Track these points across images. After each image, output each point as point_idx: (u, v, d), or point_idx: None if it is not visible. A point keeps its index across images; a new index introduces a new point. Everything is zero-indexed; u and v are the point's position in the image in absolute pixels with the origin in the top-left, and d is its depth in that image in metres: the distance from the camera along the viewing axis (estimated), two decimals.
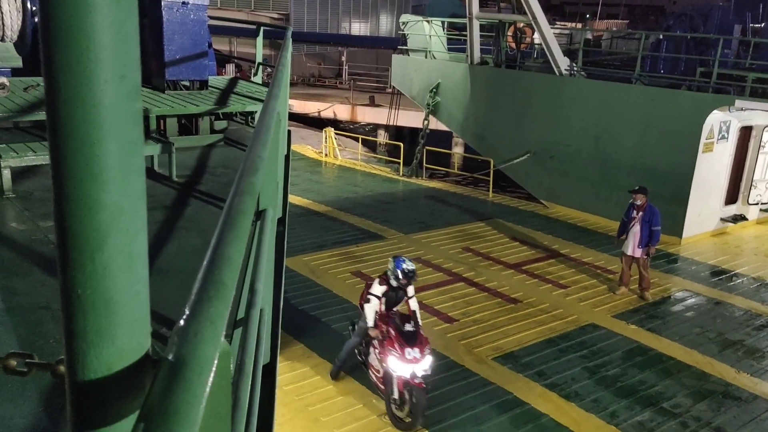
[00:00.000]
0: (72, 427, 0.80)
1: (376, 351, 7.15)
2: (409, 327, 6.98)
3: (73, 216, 0.75)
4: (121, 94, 0.76)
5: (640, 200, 10.34)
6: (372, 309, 7.12)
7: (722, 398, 7.96)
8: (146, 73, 6.81)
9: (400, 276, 7.14)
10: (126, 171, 0.77)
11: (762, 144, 14.48)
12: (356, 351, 7.73)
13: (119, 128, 0.76)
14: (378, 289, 7.20)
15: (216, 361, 0.87)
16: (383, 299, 7.22)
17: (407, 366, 6.71)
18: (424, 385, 6.79)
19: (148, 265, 0.82)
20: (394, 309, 7.43)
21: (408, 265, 7.17)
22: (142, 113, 0.81)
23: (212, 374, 0.84)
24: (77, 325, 0.77)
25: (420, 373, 6.78)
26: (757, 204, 15.03)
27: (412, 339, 6.85)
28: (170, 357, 0.80)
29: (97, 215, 0.75)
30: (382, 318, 7.19)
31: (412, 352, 6.76)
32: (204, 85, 6.96)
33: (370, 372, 7.45)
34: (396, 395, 6.89)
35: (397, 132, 26.17)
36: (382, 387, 7.17)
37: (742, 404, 7.85)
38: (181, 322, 0.87)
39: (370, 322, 7.08)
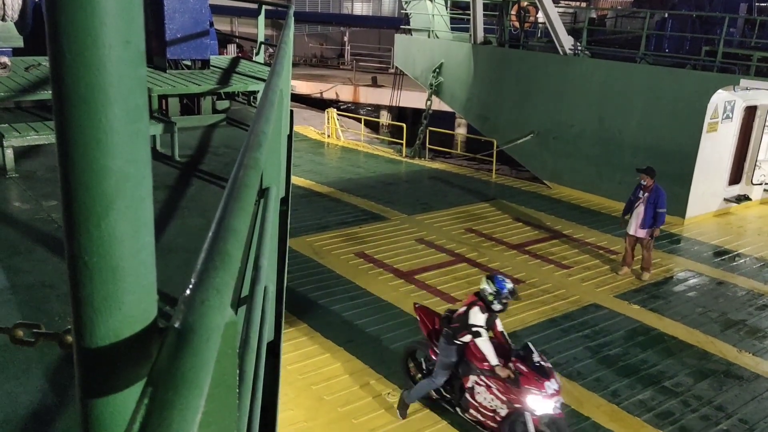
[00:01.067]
0: (80, 394, 0.81)
1: (493, 389, 6.31)
2: (536, 358, 6.19)
3: (79, 182, 0.74)
4: (126, 59, 0.76)
5: (645, 180, 10.32)
6: (489, 344, 6.22)
7: (724, 377, 8.00)
8: (147, 52, 6.76)
9: (505, 298, 6.27)
10: (131, 137, 0.76)
11: (767, 124, 14.40)
12: (432, 388, 6.81)
13: (124, 94, 0.75)
14: (481, 318, 6.24)
15: (223, 330, 0.87)
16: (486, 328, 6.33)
17: (550, 401, 6.02)
18: (562, 413, 6.23)
19: (153, 233, 0.82)
20: None
21: (510, 284, 6.33)
22: (146, 80, 0.81)
23: (219, 342, 0.84)
24: (84, 291, 0.77)
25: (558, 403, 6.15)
26: (760, 184, 15.00)
27: (542, 371, 6.12)
28: (177, 325, 0.80)
29: (102, 181, 0.75)
30: (503, 355, 6.37)
31: (552, 386, 6.04)
32: (206, 64, 6.92)
33: (470, 413, 6.58)
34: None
35: (399, 113, 26.06)
36: (494, 426, 6.40)
37: (744, 383, 7.89)
38: (188, 291, 0.87)
39: (495, 360, 6.16)
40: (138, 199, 0.78)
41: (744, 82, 12.49)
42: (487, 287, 6.30)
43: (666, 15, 15.49)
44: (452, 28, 19.53)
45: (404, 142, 19.57)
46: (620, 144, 14.20)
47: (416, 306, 7.50)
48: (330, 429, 6.76)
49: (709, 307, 9.92)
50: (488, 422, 6.46)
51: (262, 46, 8.49)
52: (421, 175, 17.51)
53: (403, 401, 6.93)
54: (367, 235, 12.33)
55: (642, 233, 10.46)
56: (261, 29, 8.31)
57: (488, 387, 6.35)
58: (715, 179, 14.01)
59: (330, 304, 9.50)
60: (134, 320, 0.80)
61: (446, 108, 20.15)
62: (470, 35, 17.48)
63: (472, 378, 6.49)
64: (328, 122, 21.57)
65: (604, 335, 8.91)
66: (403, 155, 19.44)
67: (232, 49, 21.93)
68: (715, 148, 13.57)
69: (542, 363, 6.19)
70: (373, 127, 25.88)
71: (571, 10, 22.65)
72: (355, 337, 8.54)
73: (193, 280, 0.90)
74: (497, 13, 17.25)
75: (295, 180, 15.78)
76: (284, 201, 4.46)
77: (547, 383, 6.02)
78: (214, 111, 6.54)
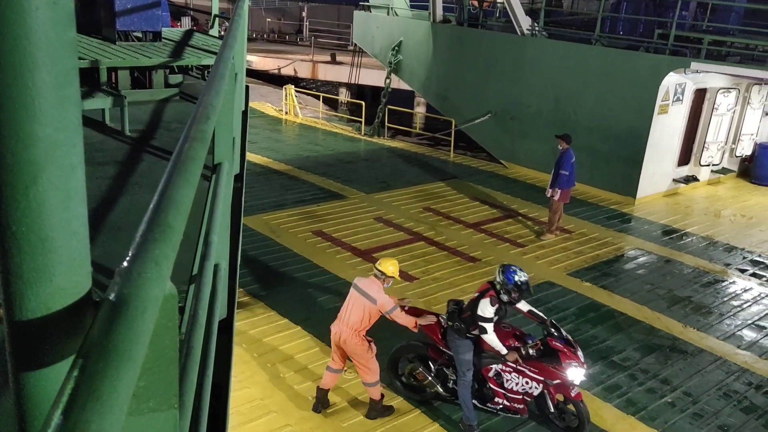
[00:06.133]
0: (11, 368, 0.79)
1: (526, 372, 6.33)
2: (564, 333, 6.42)
3: (5, 149, 0.72)
4: (54, 21, 0.72)
5: (561, 145, 11.43)
6: (494, 335, 6.14)
7: (670, 352, 8.29)
8: (96, 23, 6.55)
9: (513, 291, 6.14)
10: (60, 103, 0.73)
11: (715, 107, 14.81)
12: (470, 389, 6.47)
13: (52, 57, 0.72)
14: (490, 310, 6.10)
15: (161, 303, 0.86)
16: (496, 319, 6.22)
17: (583, 370, 6.24)
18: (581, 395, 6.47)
19: (86, 203, 0.80)
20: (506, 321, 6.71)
21: (521, 276, 6.13)
22: (76, 43, 0.78)
23: (156, 315, 0.82)
24: (12, 263, 0.74)
25: None
26: (708, 166, 15.45)
27: (570, 344, 6.33)
28: (111, 297, 0.78)
29: (30, 148, 0.72)
30: (516, 337, 6.49)
31: (581, 355, 6.30)
32: (157, 36, 6.73)
33: (494, 401, 6.56)
34: (553, 409, 6.50)
35: (358, 90, 25.91)
36: (522, 407, 6.48)
37: (689, 357, 8.19)
38: (125, 263, 0.85)
39: (504, 349, 6.17)
40: (68, 167, 0.75)
41: (695, 65, 12.79)
42: (497, 276, 6.19)
43: None
44: (411, 6, 19.43)
45: (363, 120, 19.49)
46: (575, 125, 14.40)
47: (406, 310, 6.77)
48: (286, 407, 6.78)
49: (657, 284, 10.23)
50: (515, 405, 6.51)
51: (217, 19, 8.30)
52: (379, 153, 17.48)
53: (465, 426, 6.51)
54: (325, 214, 12.28)
55: (549, 193, 11.52)
56: (215, 1, 8.11)
57: (519, 372, 6.36)
58: (665, 160, 14.37)
59: (287, 282, 9.46)
60: (66, 292, 0.78)
61: (405, 86, 20.10)
62: (429, 13, 17.42)
63: (495, 367, 6.47)
64: (286, 99, 21.30)
65: (557, 312, 9.11)
66: (362, 133, 19.36)
67: (186, 22, 21.34)
68: (666, 129, 13.91)
69: (568, 337, 6.44)
70: (331, 104, 25.68)
71: None
72: (312, 315, 8.54)
73: (130, 252, 0.88)
74: None
75: (252, 157, 15.58)
76: (239, 178, 4.40)
77: (579, 353, 6.27)
78: (167, 85, 6.38)
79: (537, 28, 15.29)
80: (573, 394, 6.32)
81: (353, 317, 6.34)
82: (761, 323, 9.17)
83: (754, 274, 10.82)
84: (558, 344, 6.26)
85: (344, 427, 6.55)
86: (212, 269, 2.19)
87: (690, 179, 15.22)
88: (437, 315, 6.77)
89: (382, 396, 6.67)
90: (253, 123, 19.40)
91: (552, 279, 10.14)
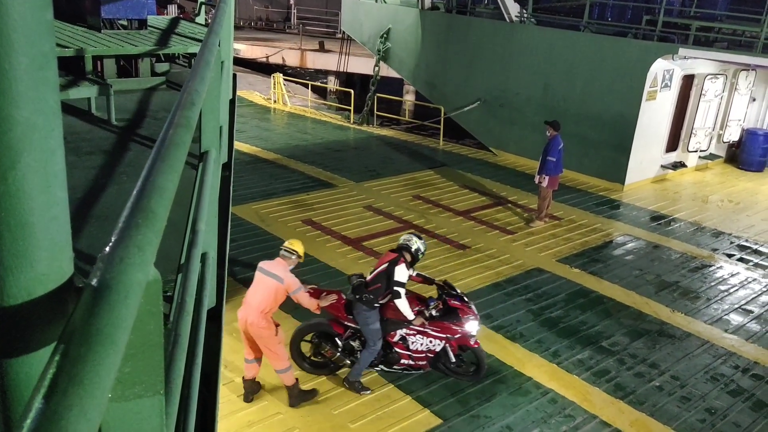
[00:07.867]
0: None
1: (430, 332, 6.83)
2: (457, 291, 7.10)
3: None
4: (30, 2, 0.71)
5: (549, 131, 11.42)
6: (405, 301, 6.65)
7: (657, 336, 8.37)
8: (81, 11, 6.47)
9: (421, 256, 6.89)
10: (38, 85, 0.72)
11: (703, 93, 14.86)
12: (374, 356, 6.86)
13: (29, 40, 0.71)
14: (405, 275, 6.60)
15: (144, 288, 0.85)
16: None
17: (477, 321, 6.94)
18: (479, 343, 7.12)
19: (66, 187, 0.79)
20: None
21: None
22: (53, 25, 0.76)
23: (140, 300, 0.82)
24: None
25: None
26: (696, 151, 15.53)
27: (463, 300, 6.98)
28: (94, 282, 0.78)
29: (8, 132, 0.71)
30: (419, 301, 7.02)
31: (473, 307, 6.98)
32: (143, 24, 6.66)
33: (400, 363, 7.00)
34: (454, 359, 7.06)
35: (347, 79, 25.80)
36: (426, 363, 7.01)
37: (676, 342, 8.27)
38: (107, 248, 0.84)
39: (411, 315, 6.72)
40: (48, 151, 0.74)
41: (682, 51, 12.82)
42: (421, 246, 6.85)
43: None
44: None
45: (352, 108, 19.42)
46: (564, 112, 14.43)
47: (309, 292, 6.73)
48: (277, 395, 6.79)
49: (645, 269, 10.31)
50: (420, 363, 7.03)
51: (203, 6, 8.23)
52: (369, 141, 17.44)
53: (351, 382, 6.89)
54: (314, 203, 12.26)
55: (536, 179, 11.56)
56: None
57: (423, 333, 6.88)
58: (653, 147, 14.43)
59: None
60: (48, 278, 0.77)
61: (394, 74, 20.03)
62: (418, 0, 17.34)
63: (400, 332, 6.91)
64: (275, 87, 21.18)
65: (546, 298, 9.17)
66: (351, 122, 19.30)
67: (172, 10, 21.10)
68: (654, 116, 13.95)
69: (462, 294, 7.09)
70: (320, 92, 25.56)
71: None
72: None
73: (113, 238, 0.87)
74: None
75: (241, 146, 15.51)
76: (227, 167, 4.37)
77: (473, 307, 6.98)
78: (153, 74, 6.32)
79: (525, 15, 15.26)
80: (472, 343, 6.95)
81: (259, 298, 6.35)
82: (748, 307, 9.26)
83: (741, 259, 10.92)
84: (456, 302, 6.91)
85: (335, 414, 6.58)
86: (200, 257, 2.18)
87: (678, 165, 15.30)
88: (338, 292, 6.99)
89: (297, 380, 6.69)
90: (241, 112, 19.30)
91: (541, 265, 10.19)
